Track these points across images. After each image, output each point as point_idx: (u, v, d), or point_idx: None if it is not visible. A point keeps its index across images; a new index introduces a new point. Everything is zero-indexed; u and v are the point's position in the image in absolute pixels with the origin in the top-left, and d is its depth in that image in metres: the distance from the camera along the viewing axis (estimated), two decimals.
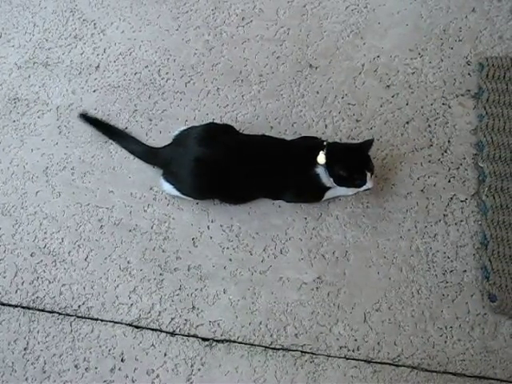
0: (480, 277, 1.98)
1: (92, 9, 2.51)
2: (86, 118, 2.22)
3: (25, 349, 1.94)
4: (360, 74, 2.29)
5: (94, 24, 2.47)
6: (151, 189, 2.13)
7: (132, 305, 1.98)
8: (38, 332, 1.96)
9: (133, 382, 1.88)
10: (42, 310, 1.99)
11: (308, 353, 1.90)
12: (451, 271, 1.99)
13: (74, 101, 2.31)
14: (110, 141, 2.22)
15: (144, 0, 2.50)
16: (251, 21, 2.42)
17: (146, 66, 2.35)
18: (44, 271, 2.04)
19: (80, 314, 1.98)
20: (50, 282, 2.03)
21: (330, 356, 1.89)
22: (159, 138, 2.20)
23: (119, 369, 1.90)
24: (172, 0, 2.50)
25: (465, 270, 1.99)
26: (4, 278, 2.04)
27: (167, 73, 2.33)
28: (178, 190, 2.01)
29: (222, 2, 2.46)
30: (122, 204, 2.12)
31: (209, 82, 2.30)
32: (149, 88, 2.31)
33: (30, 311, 1.99)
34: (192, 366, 1.89)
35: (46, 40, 2.46)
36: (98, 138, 2.24)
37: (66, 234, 2.09)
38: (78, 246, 2.07)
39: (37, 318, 1.98)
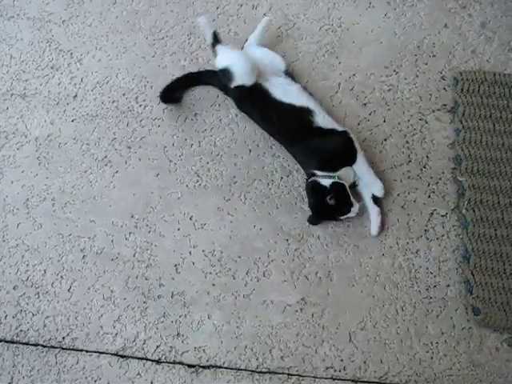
0: (463, 291, 1.98)
1: (68, 39, 2.51)
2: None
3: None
4: (336, 92, 2.30)
5: (71, 54, 2.48)
6: (132, 217, 2.12)
7: (117, 334, 1.97)
8: (22, 366, 1.95)
9: None
10: (26, 344, 1.98)
11: (294, 375, 1.89)
12: (434, 286, 1.99)
13: (52, 131, 2.31)
14: (90, 170, 2.19)
15: (120, 28, 2.51)
16: (227, 44, 2.41)
17: (124, 94, 2.35)
18: (27, 304, 2.03)
19: (65, 346, 1.97)
20: (33, 315, 2.02)
21: (316, 377, 1.89)
22: (138, 165, 2.20)
23: None
24: (148, 27, 2.50)
25: (448, 285, 1.99)
26: None
27: (145, 100, 2.34)
28: None
29: (197, 28, 2.47)
30: (103, 233, 2.11)
31: (186, 108, 2.31)
32: (127, 116, 2.31)
33: (14, 345, 1.98)
34: None
35: (24, 71, 2.47)
36: (77, 168, 2.24)
37: (48, 266, 2.08)
38: (61, 276, 2.06)
39: (21, 352, 1.97)
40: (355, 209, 2.01)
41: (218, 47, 2.21)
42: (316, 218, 2.06)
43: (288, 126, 2.12)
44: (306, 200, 2.11)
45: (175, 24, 2.51)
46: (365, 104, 2.28)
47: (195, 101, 2.32)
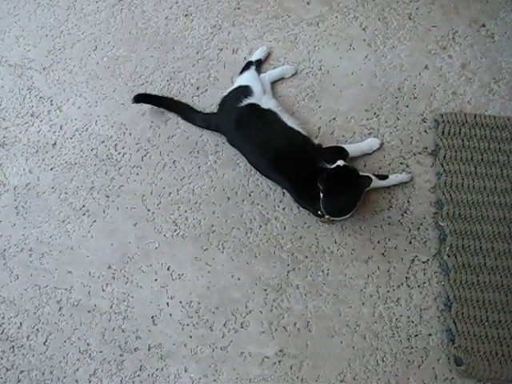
0: (445, 340, 1.95)
1: (49, 85, 2.52)
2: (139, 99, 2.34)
3: None
4: (316, 137, 2.29)
5: (51, 101, 2.48)
6: (109, 267, 2.10)
7: None
8: None
9: None
10: None
11: None
12: (416, 336, 1.95)
13: (31, 180, 2.30)
14: (68, 220, 2.17)
15: (100, 74, 2.51)
16: (206, 90, 2.43)
17: (103, 142, 2.35)
18: (1, 358, 2.01)
19: None
20: (7, 370, 2.00)
21: None
22: (116, 214, 2.19)
23: None
24: (127, 73, 2.51)
25: (430, 334, 1.95)
26: None
27: (123, 147, 2.33)
28: None
29: (177, 73, 2.47)
30: (80, 284, 2.09)
31: (165, 155, 2.30)
32: (105, 164, 2.30)
33: None
34: None
35: (3, 119, 2.47)
36: (55, 217, 2.23)
37: (24, 318, 2.06)
38: (37, 329, 2.04)
39: None
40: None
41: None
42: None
43: (296, 148, 2.15)
44: (285, 248, 2.09)
45: (155, 69, 2.51)
46: None
47: (174, 148, 2.31)
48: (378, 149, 2.23)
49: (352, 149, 2.20)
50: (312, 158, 2.08)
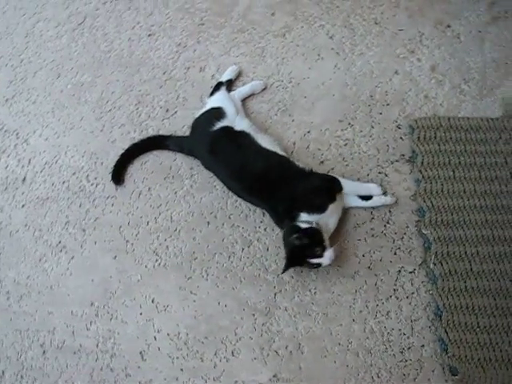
0: (438, 350, 1.93)
1: (13, 118, 2.44)
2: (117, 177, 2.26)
3: None
4: (292, 153, 2.26)
5: (17, 134, 2.41)
6: (92, 304, 2.05)
7: None
8: None
9: None
10: None
11: None
12: (409, 348, 1.94)
13: (2, 219, 2.24)
14: (44, 258, 2.11)
15: (65, 103, 2.45)
16: (176, 111, 2.38)
17: (74, 173, 2.28)
18: None
19: None
20: None
21: None
22: (94, 249, 2.13)
23: None
24: (94, 99, 2.44)
25: (422, 345, 1.94)
26: None
27: (96, 178, 2.27)
28: None
29: (145, 96, 2.42)
30: (63, 325, 2.04)
31: (139, 183, 2.24)
32: (79, 196, 2.24)
33: None
34: None
35: None
36: (31, 256, 2.17)
37: (6, 366, 2.00)
38: (21, 376, 1.98)
39: None
40: (328, 254, 1.93)
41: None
42: (288, 261, 1.96)
43: (274, 171, 2.08)
44: (270, 270, 2.04)
45: (122, 94, 2.45)
46: (322, 162, 2.24)
47: (148, 175, 2.26)
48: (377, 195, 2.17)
49: (348, 185, 2.13)
50: (291, 180, 2.04)
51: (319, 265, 1.94)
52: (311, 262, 1.93)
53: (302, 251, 1.92)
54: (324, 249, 1.92)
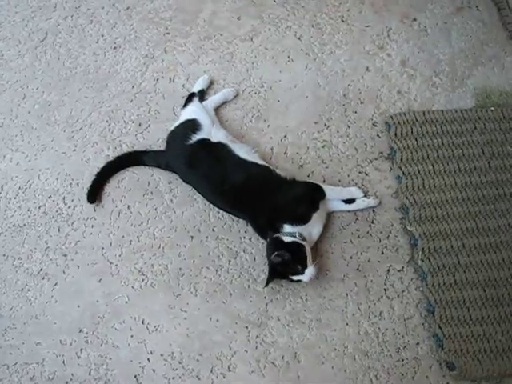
0: (434, 346, 1.93)
1: None
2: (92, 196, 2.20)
3: None
4: (271, 159, 2.25)
5: None
6: (81, 331, 2.00)
7: None
8: None
9: None
10: None
11: None
12: (405, 347, 1.94)
13: None
14: (27, 287, 2.04)
15: (34, 124, 2.38)
16: (149, 125, 2.34)
17: (50, 197, 2.22)
18: None
19: None
20: None
21: None
22: (78, 273, 2.07)
23: None
24: (63, 118, 2.38)
25: (418, 343, 1.94)
26: None
27: (73, 200, 2.21)
28: None
29: (115, 111, 2.36)
30: (52, 355, 1.98)
31: (118, 201, 2.19)
32: (57, 220, 2.18)
33: None
34: None
35: None
36: (12, 287, 2.10)
37: None
38: None
39: None
40: (309, 272, 1.93)
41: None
42: (270, 275, 1.95)
43: (255, 182, 2.06)
44: (259, 280, 2.02)
45: (92, 111, 2.40)
46: (301, 166, 2.23)
47: (126, 192, 2.21)
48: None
49: (330, 191, 2.12)
50: (272, 191, 2.03)
51: (300, 281, 1.93)
52: (292, 278, 1.93)
53: (283, 268, 1.91)
54: (305, 266, 1.91)
